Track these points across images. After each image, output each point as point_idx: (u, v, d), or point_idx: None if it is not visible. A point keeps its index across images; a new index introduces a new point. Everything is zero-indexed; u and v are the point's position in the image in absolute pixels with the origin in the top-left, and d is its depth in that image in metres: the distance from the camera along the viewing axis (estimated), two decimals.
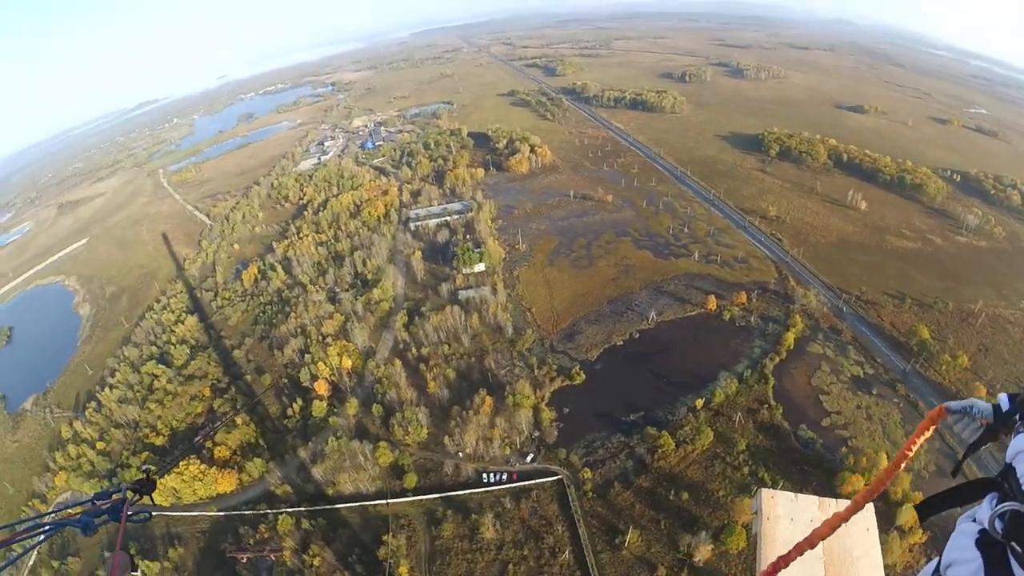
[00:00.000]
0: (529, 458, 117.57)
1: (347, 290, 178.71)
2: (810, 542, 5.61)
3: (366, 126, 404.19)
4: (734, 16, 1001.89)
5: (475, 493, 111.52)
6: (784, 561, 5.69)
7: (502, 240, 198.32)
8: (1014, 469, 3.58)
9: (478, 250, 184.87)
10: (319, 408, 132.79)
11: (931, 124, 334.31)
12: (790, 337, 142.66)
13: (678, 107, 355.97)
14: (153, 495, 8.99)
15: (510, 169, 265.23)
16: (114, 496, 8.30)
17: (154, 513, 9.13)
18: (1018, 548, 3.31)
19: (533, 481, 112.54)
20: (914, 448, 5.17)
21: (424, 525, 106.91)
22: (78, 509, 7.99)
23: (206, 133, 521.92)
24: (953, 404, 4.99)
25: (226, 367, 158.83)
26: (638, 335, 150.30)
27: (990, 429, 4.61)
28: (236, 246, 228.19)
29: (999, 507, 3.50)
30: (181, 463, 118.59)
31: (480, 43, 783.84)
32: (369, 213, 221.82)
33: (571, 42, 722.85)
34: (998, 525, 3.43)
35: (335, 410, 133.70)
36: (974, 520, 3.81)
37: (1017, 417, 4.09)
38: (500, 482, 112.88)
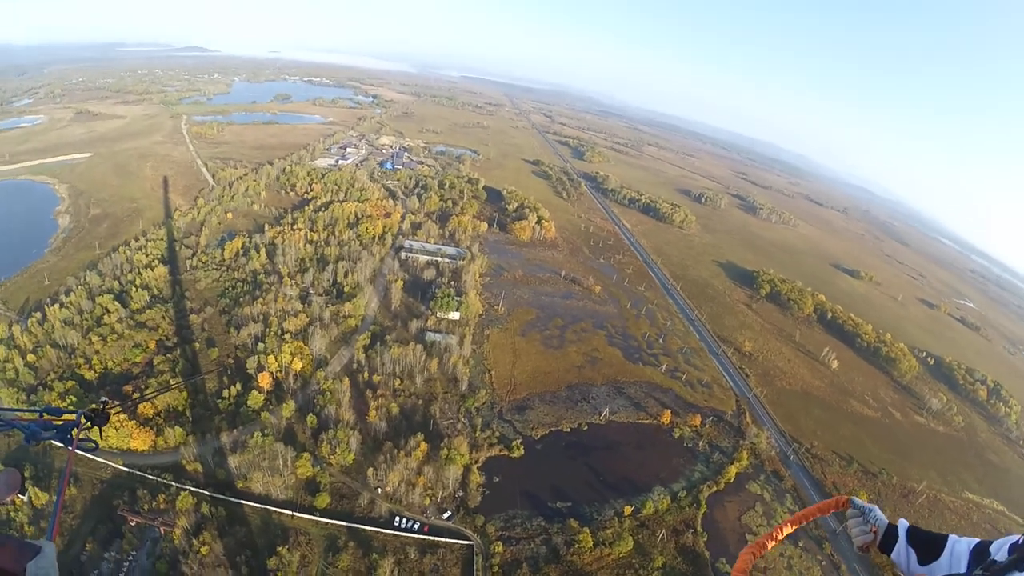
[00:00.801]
0: (446, 515, 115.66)
1: (321, 295, 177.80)
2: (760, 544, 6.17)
3: (391, 146, 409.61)
4: (764, 156, 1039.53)
5: (383, 533, 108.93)
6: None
7: (484, 297, 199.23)
8: None
9: (458, 299, 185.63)
10: (256, 399, 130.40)
11: (919, 305, 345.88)
12: (732, 470, 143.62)
13: (687, 224, 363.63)
14: (100, 430, 9.66)
15: (513, 233, 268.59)
16: (65, 417, 8.87)
17: (97, 448, 9.56)
18: None
19: (444, 539, 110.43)
20: (808, 519, 6.11)
21: (323, 549, 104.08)
22: (27, 416, 8.61)
23: (241, 98, 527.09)
24: (857, 500, 6.07)
25: (179, 328, 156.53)
26: (587, 427, 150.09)
27: (878, 542, 5.80)
28: (229, 215, 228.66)
29: None
30: (111, 408, 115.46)
31: (522, 107, 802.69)
32: (366, 229, 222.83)
33: (606, 133, 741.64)
34: None
35: (270, 407, 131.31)
36: None
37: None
38: (411, 530, 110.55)
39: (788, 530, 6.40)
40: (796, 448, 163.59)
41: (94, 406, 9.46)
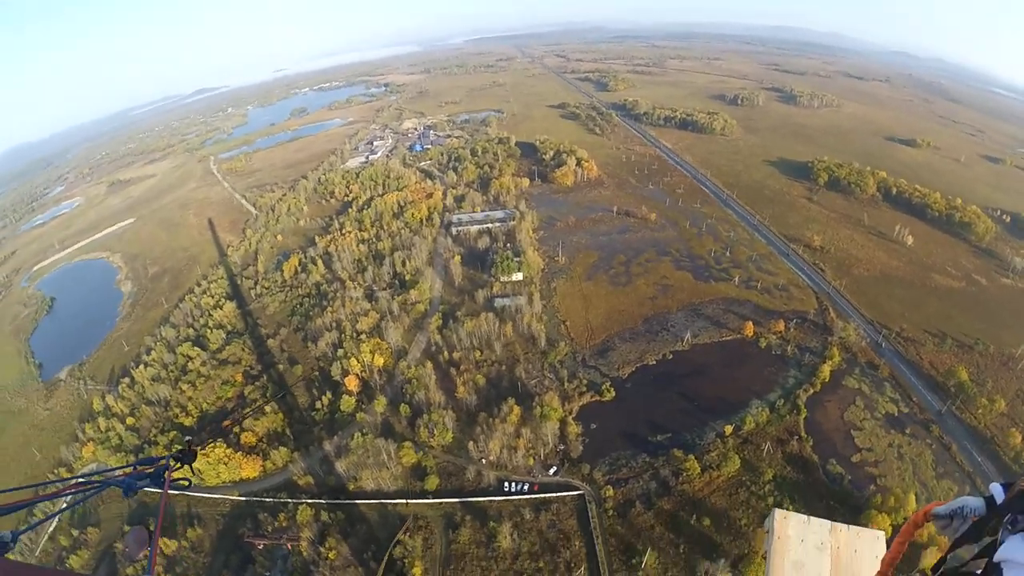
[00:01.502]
0: (552, 471, 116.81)
1: (385, 289, 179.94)
2: None
3: (415, 129, 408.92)
4: (791, 42, 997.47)
5: (495, 501, 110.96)
6: None
7: (542, 251, 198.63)
8: (1000, 571, 3.36)
9: (517, 259, 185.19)
10: (348, 403, 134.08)
11: (983, 163, 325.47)
12: (826, 369, 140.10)
13: (728, 130, 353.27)
14: (191, 467, 9.30)
15: (555, 181, 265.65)
16: (158, 464, 8.68)
17: (191, 486, 9.45)
18: None
19: (554, 494, 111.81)
20: (899, 553, 5.05)
21: (442, 528, 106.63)
22: (122, 472, 8.44)
23: (258, 124, 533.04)
24: (941, 509, 4.71)
25: (260, 355, 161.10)
26: (671, 356, 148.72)
27: (979, 524, 4.28)
28: (279, 237, 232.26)
29: None
30: (208, 445, 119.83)
31: (534, 54, 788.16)
32: (412, 215, 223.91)
33: (625, 58, 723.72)
34: None
35: (363, 407, 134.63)
36: None
37: (1008, 515, 3.78)
38: (521, 492, 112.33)
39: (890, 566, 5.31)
40: (886, 334, 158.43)
41: (179, 447, 9.45)
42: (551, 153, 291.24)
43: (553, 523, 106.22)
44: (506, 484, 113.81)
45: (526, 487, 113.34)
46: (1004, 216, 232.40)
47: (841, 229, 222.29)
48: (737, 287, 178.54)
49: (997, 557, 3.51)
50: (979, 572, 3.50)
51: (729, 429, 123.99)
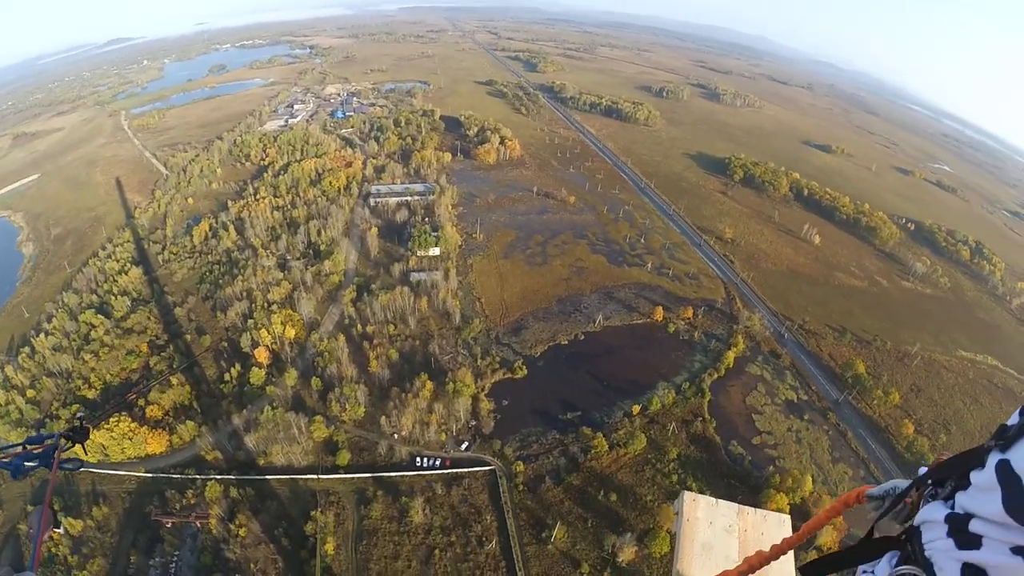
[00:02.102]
0: (464, 446, 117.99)
1: (298, 259, 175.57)
2: (754, 560, 5.63)
3: (339, 94, 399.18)
4: (721, 42, 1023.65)
5: (407, 476, 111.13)
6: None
7: (460, 227, 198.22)
8: (919, 533, 3.58)
9: (435, 234, 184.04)
10: (257, 376, 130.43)
11: (894, 173, 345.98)
12: (731, 356, 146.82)
13: (651, 121, 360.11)
14: (83, 446, 9.18)
15: (478, 158, 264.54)
16: (46, 442, 8.57)
17: (83, 467, 9.29)
18: None
19: (466, 469, 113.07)
20: (822, 525, 5.28)
21: (354, 504, 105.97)
22: (9, 453, 8.32)
23: (175, 79, 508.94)
24: (874, 491, 4.90)
25: (166, 324, 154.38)
26: (583, 337, 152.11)
27: (901, 495, 4.57)
28: (190, 200, 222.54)
29: (899, 569, 3.57)
30: (111, 419, 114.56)
31: (466, 28, 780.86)
32: (330, 183, 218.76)
33: (557, 41, 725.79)
34: None
35: (273, 379, 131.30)
36: (868, 572, 3.87)
37: (929, 483, 4.04)
38: (433, 467, 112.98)
39: (790, 546, 5.72)
40: (789, 326, 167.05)
41: (68, 424, 9.12)
42: (475, 129, 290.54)
43: (465, 498, 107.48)
44: (418, 459, 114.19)
45: (438, 462, 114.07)
46: (909, 224, 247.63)
47: (752, 224, 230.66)
48: (650, 273, 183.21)
49: (916, 520, 3.76)
50: (902, 536, 3.81)
51: (637, 409, 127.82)
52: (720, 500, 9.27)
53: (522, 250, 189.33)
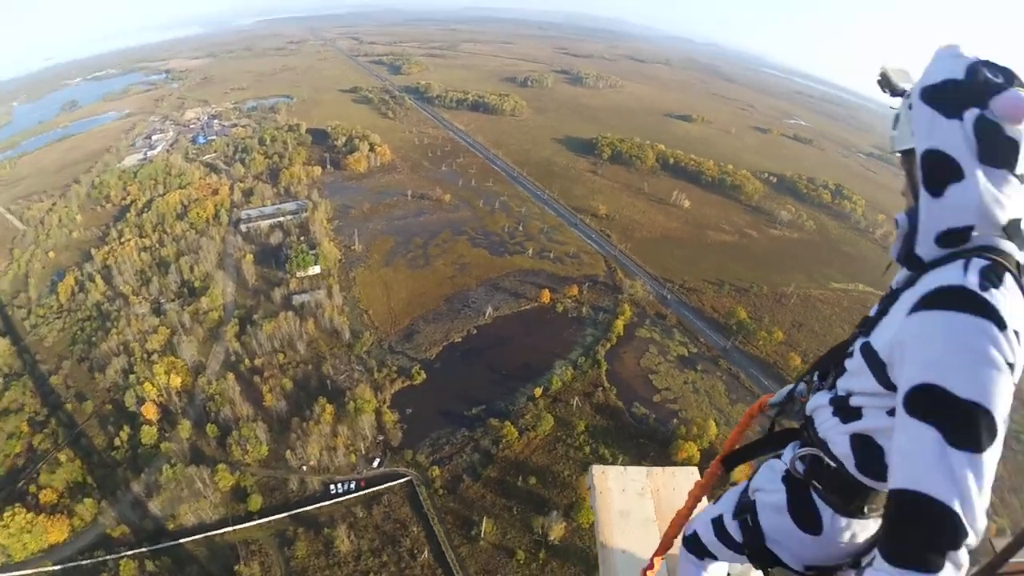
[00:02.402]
0: (376, 463, 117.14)
1: (173, 300, 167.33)
2: (681, 516, 5.94)
3: (199, 119, 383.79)
4: (580, 28, 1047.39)
5: (324, 506, 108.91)
6: (670, 537, 6.02)
7: (338, 241, 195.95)
8: (812, 420, 4.14)
9: (313, 252, 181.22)
10: (149, 434, 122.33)
11: (753, 133, 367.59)
12: (619, 324, 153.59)
13: (518, 111, 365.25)
14: None
15: (348, 168, 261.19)
16: None
17: None
18: (818, 486, 3.97)
19: (383, 486, 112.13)
20: (736, 442, 5.58)
21: (276, 547, 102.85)
22: None
23: (25, 123, 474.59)
24: (774, 398, 5.35)
25: (44, 396, 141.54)
26: (476, 331, 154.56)
27: (791, 392, 5.21)
28: (51, 254, 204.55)
29: (800, 451, 4.13)
30: (5, 514, 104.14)
31: (327, 36, 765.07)
32: (198, 214, 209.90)
33: (420, 41, 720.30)
34: (800, 466, 4.11)
35: (167, 435, 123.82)
36: (779, 458, 4.55)
37: (815, 380, 4.61)
38: (349, 491, 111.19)
39: (707, 483, 6.12)
40: (670, 287, 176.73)
41: None
42: (343, 139, 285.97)
43: (388, 515, 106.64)
44: (332, 487, 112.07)
45: (353, 485, 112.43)
46: (771, 178, 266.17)
47: (624, 198, 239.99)
48: (531, 259, 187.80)
49: (807, 410, 4.34)
50: (798, 426, 4.51)
51: (538, 391, 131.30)
52: (628, 467, 9.58)
53: (403, 255, 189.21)
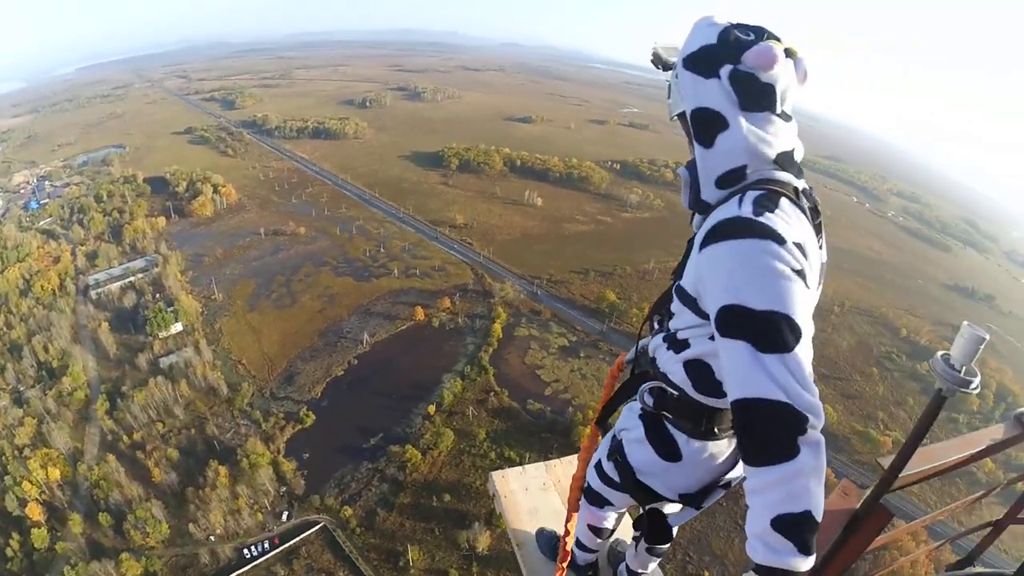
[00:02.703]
0: (285, 516, 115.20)
1: (33, 386, 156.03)
2: (577, 479, 6.17)
3: (28, 182, 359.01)
4: (412, 43, 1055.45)
5: (242, 573, 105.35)
6: (574, 500, 6.16)
7: (196, 293, 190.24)
8: (655, 359, 4.57)
9: (171, 309, 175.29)
10: (40, 537, 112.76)
11: (591, 126, 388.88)
12: (497, 328, 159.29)
13: (361, 133, 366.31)
14: None
15: (194, 213, 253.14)
16: None
17: None
18: (668, 415, 4.36)
19: (298, 538, 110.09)
20: (605, 408, 5.63)
21: None
22: None
23: None
24: (628, 355, 5.60)
25: None
26: (356, 361, 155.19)
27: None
28: None
29: (646, 385, 4.56)
30: None
31: (153, 77, 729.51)
32: (42, 287, 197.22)
33: (251, 73, 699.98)
34: (648, 399, 4.51)
35: (59, 534, 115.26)
36: (635, 399, 4.89)
37: (655, 327, 5.01)
38: (264, 552, 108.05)
39: (588, 453, 6.30)
40: (538, 283, 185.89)
41: None
42: (184, 184, 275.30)
43: (310, 567, 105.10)
44: (246, 551, 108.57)
45: (267, 545, 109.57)
46: (615, 165, 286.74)
47: (479, 204, 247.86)
48: (398, 279, 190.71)
49: (650, 353, 4.81)
50: (647, 368, 4.90)
51: (432, 409, 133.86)
52: (527, 465, 9.69)
53: (267, 296, 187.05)
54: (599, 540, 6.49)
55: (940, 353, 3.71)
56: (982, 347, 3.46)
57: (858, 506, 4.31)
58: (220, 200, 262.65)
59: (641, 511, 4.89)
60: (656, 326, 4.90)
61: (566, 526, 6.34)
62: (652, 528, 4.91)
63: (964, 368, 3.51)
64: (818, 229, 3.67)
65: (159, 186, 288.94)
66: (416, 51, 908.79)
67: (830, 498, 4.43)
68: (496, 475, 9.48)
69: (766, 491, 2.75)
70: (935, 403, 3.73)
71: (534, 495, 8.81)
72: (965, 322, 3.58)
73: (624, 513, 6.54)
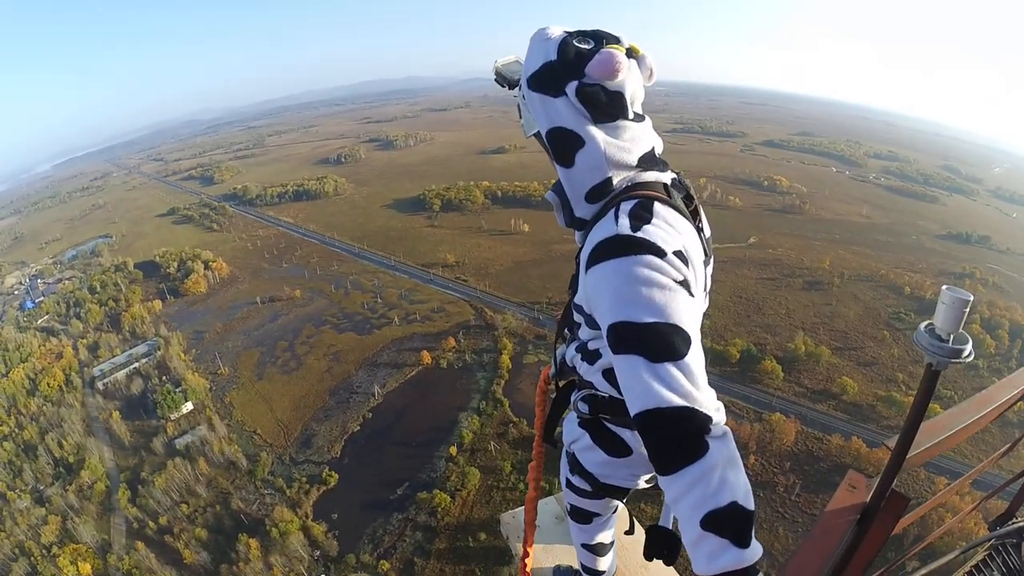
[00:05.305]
0: None
1: (52, 483, 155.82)
2: (529, 500, 6.89)
3: (21, 283, 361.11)
4: (375, 94, 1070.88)
5: None
6: (530, 522, 6.74)
7: (202, 370, 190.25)
8: (575, 368, 4.61)
9: (179, 389, 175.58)
10: None
11: None
12: (505, 359, 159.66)
13: (340, 189, 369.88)
14: None
15: (188, 292, 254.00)
16: None
17: None
18: (607, 417, 4.37)
19: None
20: (543, 419, 6.16)
21: None
22: None
23: None
24: (551, 370, 5.60)
25: None
26: (371, 414, 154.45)
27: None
28: None
29: (579, 393, 4.61)
30: None
31: (130, 164, 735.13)
32: (48, 385, 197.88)
33: (225, 147, 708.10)
34: (583, 407, 4.52)
35: None
36: (572, 410, 4.96)
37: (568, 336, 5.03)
38: None
39: (537, 464, 6.92)
40: (538, 308, 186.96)
41: None
42: (175, 265, 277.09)
43: None
44: None
45: None
46: None
47: (468, 240, 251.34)
48: (400, 326, 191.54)
49: (568, 362, 4.86)
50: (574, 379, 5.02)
51: (454, 450, 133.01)
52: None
53: (272, 363, 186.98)
54: (601, 558, 6.41)
55: (923, 324, 3.67)
56: (967, 310, 3.38)
57: (868, 499, 4.25)
58: (212, 275, 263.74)
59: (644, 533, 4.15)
60: (568, 335, 4.99)
61: (525, 547, 6.76)
62: (659, 544, 4.22)
63: (952, 336, 3.44)
64: (695, 213, 3.84)
65: (150, 270, 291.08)
66: (382, 101, 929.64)
67: (837, 494, 4.49)
68: (506, 516, 9.05)
69: (687, 494, 2.70)
70: (928, 379, 3.71)
71: (548, 530, 8.39)
72: (944, 287, 3.52)
73: (614, 518, 6.35)
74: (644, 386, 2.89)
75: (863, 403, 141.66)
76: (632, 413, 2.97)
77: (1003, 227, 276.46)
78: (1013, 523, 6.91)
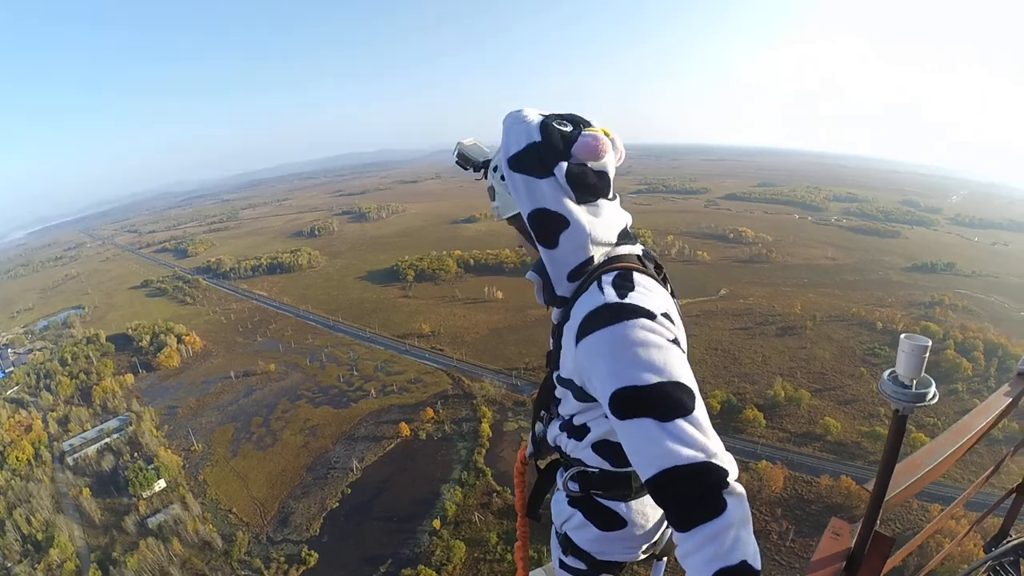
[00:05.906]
0: None
1: (20, 561, 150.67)
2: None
3: None
4: (349, 167, 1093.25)
5: None
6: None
7: (174, 446, 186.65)
8: (560, 447, 4.55)
9: (152, 466, 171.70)
10: None
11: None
12: (485, 427, 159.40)
13: (314, 261, 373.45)
14: None
15: (161, 366, 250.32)
16: None
17: None
18: (598, 492, 4.29)
19: None
20: (523, 498, 6.06)
21: None
22: None
23: None
24: (528, 449, 5.74)
25: None
26: (350, 490, 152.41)
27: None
28: None
29: (567, 473, 4.46)
30: None
31: (104, 235, 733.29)
32: (17, 458, 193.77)
33: (199, 219, 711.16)
34: (572, 486, 4.41)
35: None
36: (559, 489, 4.79)
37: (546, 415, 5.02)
38: None
39: (523, 543, 6.88)
40: (516, 374, 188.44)
41: None
42: (147, 338, 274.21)
43: None
44: None
45: None
46: None
47: (442, 310, 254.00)
48: (376, 398, 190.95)
49: (551, 442, 4.79)
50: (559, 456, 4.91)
51: (437, 523, 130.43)
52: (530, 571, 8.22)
53: (247, 439, 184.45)
54: None
55: (887, 372, 3.82)
56: (926, 355, 3.50)
57: (853, 544, 4.30)
58: (186, 349, 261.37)
59: None
60: (548, 415, 4.98)
61: None
62: None
63: (915, 381, 3.57)
64: (664, 280, 3.97)
65: (123, 343, 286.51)
66: (354, 174, 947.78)
67: (821, 543, 4.48)
68: None
69: (700, 550, 2.71)
70: (897, 423, 3.88)
71: None
72: (903, 335, 3.62)
73: None
74: (658, 447, 2.92)
75: (848, 441, 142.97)
76: (646, 477, 2.98)
77: (967, 252, 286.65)
78: (1008, 542, 7.23)
